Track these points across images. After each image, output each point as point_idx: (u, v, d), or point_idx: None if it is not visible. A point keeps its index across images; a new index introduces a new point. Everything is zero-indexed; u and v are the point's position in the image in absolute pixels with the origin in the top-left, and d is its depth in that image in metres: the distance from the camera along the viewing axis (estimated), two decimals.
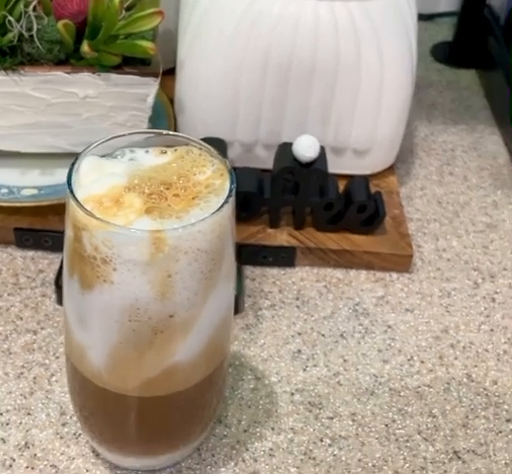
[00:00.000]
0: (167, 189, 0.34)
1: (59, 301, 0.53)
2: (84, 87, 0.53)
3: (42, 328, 0.51)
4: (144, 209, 0.33)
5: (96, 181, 0.34)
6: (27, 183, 0.57)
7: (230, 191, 0.33)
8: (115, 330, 0.34)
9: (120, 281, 0.33)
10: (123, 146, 0.36)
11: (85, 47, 0.49)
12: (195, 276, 0.33)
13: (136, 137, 0.37)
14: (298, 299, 0.56)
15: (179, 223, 0.32)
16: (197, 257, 0.32)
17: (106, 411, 0.39)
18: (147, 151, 0.37)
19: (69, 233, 0.34)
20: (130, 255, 0.32)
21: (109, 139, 0.35)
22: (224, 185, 0.34)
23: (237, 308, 0.53)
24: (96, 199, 0.33)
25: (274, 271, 0.58)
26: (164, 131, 0.37)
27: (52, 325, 0.51)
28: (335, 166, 0.59)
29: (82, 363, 0.37)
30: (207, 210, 0.33)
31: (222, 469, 0.44)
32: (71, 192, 0.33)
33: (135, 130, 0.37)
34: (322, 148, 0.55)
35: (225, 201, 0.33)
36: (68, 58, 0.53)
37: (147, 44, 0.50)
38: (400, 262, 0.58)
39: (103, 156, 0.36)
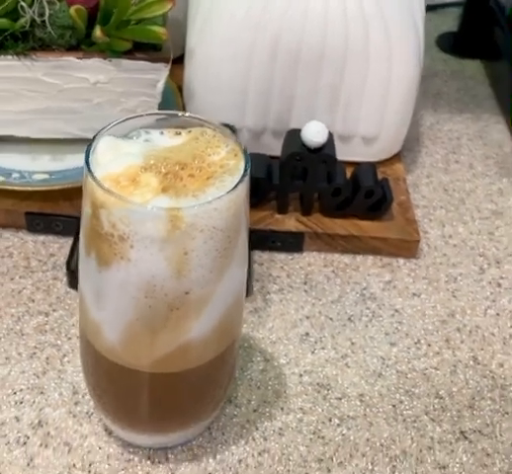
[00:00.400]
0: (182, 169, 0.35)
1: (71, 284, 0.53)
2: (95, 72, 0.53)
3: (54, 310, 0.52)
4: (161, 188, 0.34)
5: (113, 160, 0.35)
6: (38, 168, 0.58)
7: (245, 170, 0.34)
8: (131, 307, 0.35)
9: (137, 258, 0.33)
10: (138, 127, 0.37)
11: (97, 32, 0.49)
12: (210, 254, 0.33)
13: (151, 119, 0.37)
14: (305, 284, 0.56)
15: (195, 201, 0.33)
16: (212, 235, 0.33)
17: (119, 388, 0.40)
18: (162, 132, 0.37)
19: (87, 211, 0.34)
20: (148, 232, 0.32)
21: (125, 120, 0.36)
22: (239, 165, 0.35)
23: (246, 292, 0.53)
24: (113, 178, 0.34)
25: (282, 256, 0.58)
26: (179, 113, 0.37)
27: (64, 307, 0.52)
28: (343, 153, 0.60)
29: (97, 340, 0.38)
30: (222, 189, 0.33)
31: (233, 447, 0.45)
32: (89, 170, 0.33)
33: (150, 112, 0.37)
34: (331, 134, 0.56)
35: (240, 181, 0.33)
36: (80, 44, 0.53)
37: (159, 29, 0.50)
38: (407, 247, 0.59)
39: (118, 137, 0.36)
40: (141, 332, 0.36)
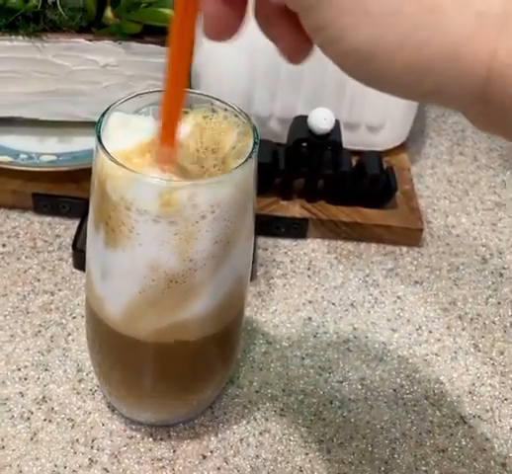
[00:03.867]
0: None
1: (76, 264, 0.54)
2: (105, 55, 0.54)
3: (60, 289, 0.52)
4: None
5: (124, 137, 0.35)
6: (45, 149, 0.58)
7: (254, 145, 0.34)
8: (135, 281, 0.35)
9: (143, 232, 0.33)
10: (148, 104, 0.37)
11: (108, 13, 0.50)
12: (216, 228, 0.34)
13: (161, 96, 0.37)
14: (309, 269, 0.57)
15: (203, 175, 0.33)
16: (219, 209, 0.33)
17: (124, 361, 0.40)
18: None
19: (96, 185, 0.35)
20: (155, 205, 0.33)
21: (136, 95, 0.36)
22: (249, 142, 0.35)
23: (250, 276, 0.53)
24: (124, 155, 0.34)
25: (286, 242, 0.59)
26: (189, 90, 0.38)
27: (69, 287, 0.53)
28: (348, 142, 0.60)
29: (102, 313, 0.38)
30: (231, 165, 0.34)
31: (235, 427, 0.45)
32: (100, 142, 0.33)
33: (160, 89, 0.38)
34: (337, 121, 0.56)
35: (249, 156, 0.34)
36: (90, 26, 0.53)
37: (169, 12, 0.50)
38: (410, 235, 0.59)
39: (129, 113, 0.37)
40: (145, 305, 0.36)
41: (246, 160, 0.33)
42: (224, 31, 0.28)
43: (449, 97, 0.26)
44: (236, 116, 0.37)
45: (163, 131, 0.32)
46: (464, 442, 0.46)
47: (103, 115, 0.35)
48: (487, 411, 0.48)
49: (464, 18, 0.25)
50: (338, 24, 0.25)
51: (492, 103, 0.26)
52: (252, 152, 0.34)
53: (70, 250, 0.54)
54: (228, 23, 0.28)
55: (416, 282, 0.57)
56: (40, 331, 0.49)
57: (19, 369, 0.47)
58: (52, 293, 0.52)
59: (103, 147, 0.33)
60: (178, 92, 0.31)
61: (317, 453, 0.45)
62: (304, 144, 0.56)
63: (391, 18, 0.24)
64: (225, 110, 0.37)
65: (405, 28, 0.24)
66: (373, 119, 0.62)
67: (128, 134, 0.35)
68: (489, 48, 0.25)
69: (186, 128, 0.37)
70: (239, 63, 0.59)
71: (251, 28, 0.61)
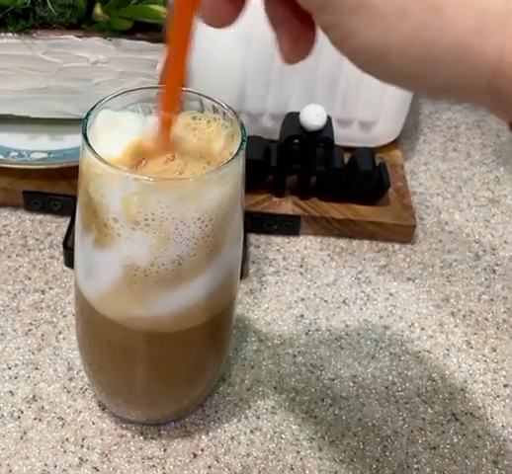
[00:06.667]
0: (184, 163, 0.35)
1: (67, 263, 0.53)
2: (95, 52, 0.53)
3: (50, 288, 0.52)
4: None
5: (111, 141, 0.34)
6: (36, 147, 0.58)
7: (242, 143, 0.34)
8: (121, 277, 0.35)
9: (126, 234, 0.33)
10: (136, 101, 0.37)
11: (98, 10, 0.49)
12: (206, 223, 0.33)
13: (151, 92, 0.37)
14: (301, 267, 0.56)
15: (191, 174, 0.33)
16: (206, 207, 0.33)
17: (114, 361, 0.40)
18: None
19: (83, 185, 0.34)
20: (140, 203, 0.32)
21: (123, 93, 0.36)
22: (237, 140, 0.35)
23: (241, 273, 0.53)
24: (112, 160, 0.34)
25: (278, 239, 0.58)
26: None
27: (60, 285, 0.52)
28: (341, 138, 0.60)
29: (92, 307, 0.38)
30: (218, 164, 0.34)
31: (225, 425, 0.45)
32: (86, 141, 0.33)
33: (148, 85, 0.37)
34: (329, 117, 0.56)
35: (237, 154, 0.33)
36: (80, 23, 0.53)
37: (159, 8, 0.50)
38: (403, 232, 0.59)
39: (117, 110, 0.36)
40: (133, 300, 0.36)
41: (233, 157, 0.33)
42: (222, 19, 0.30)
43: (460, 91, 0.27)
44: (224, 113, 0.37)
45: (166, 97, 0.32)
46: (455, 440, 0.46)
47: (89, 113, 0.35)
48: (479, 408, 0.48)
49: (467, 16, 0.25)
50: (348, 23, 0.26)
51: (502, 94, 0.26)
52: (239, 150, 0.34)
53: (61, 248, 0.54)
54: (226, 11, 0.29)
55: (409, 279, 0.56)
56: (30, 329, 0.49)
57: (9, 368, 0.47)
58: (43, 292, 0.52)
59: (89, 145, 0.33)
60: (182, 54, 0.32)
61: (309, 451, 0.44)
62: (296, 141, 0.56)
63: (397, 17, 0.25)
64: (214, 107, 0.37)
65: (412, 26, 0.25)
66: (365, 116, 0.62)
67: (115, 138, 0.35)
68: (497, 43, 0.25)
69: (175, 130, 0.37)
70: (232, 60, 0.59)
71: (244, 25, 0.61)
